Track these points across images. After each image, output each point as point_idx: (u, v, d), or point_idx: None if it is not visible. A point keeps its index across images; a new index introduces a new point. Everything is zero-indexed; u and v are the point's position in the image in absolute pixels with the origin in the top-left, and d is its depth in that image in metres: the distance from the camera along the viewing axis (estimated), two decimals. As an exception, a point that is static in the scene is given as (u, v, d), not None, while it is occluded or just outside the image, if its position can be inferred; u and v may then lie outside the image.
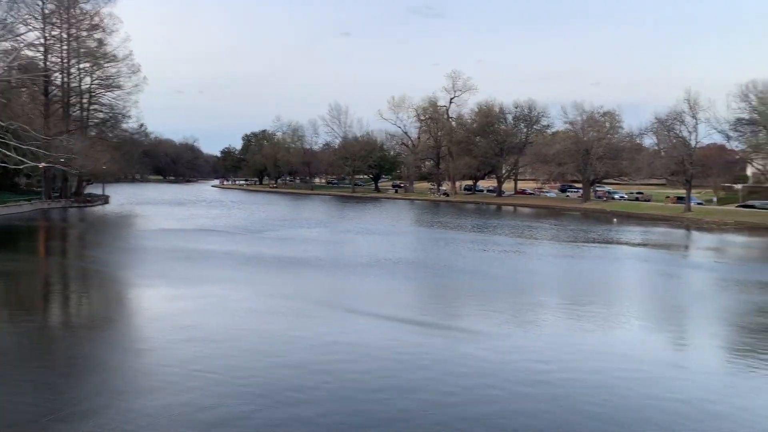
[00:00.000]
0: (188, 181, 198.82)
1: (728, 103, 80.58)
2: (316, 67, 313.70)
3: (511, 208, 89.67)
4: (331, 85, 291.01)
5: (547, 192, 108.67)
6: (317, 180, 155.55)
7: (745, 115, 70.74)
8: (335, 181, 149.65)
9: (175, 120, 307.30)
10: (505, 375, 13.96)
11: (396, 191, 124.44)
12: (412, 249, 38.64)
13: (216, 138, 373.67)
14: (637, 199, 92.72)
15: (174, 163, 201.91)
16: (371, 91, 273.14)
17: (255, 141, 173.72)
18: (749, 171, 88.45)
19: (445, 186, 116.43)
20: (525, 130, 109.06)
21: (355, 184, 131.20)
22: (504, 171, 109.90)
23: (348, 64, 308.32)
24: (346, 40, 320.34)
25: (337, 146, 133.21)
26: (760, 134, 69.44)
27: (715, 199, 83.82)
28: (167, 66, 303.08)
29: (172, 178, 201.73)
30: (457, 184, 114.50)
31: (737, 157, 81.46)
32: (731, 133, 73.60)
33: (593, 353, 15.94)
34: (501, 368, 14.48)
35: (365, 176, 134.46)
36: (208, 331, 16.90)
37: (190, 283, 24.39)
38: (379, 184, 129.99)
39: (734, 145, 77.86)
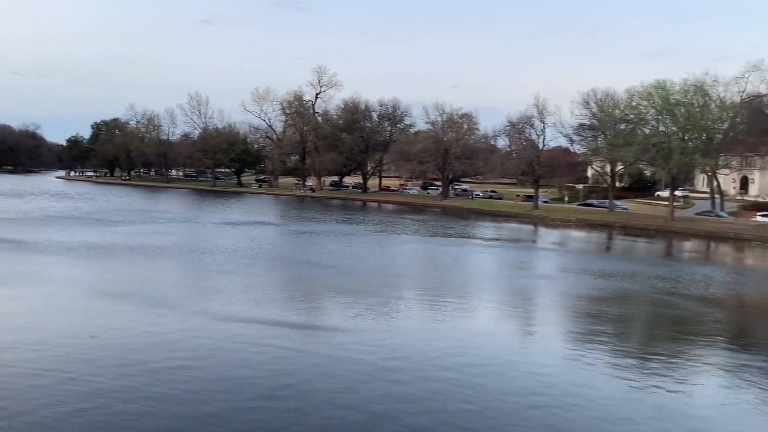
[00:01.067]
0: (29, 172, 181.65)
1: (572, 110, 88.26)
2: (173, 54, 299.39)
3: (375, 204, 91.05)
4: (190, 74, 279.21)
5: (409, 189, 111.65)
6: (174, 173, 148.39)
7: (586, 121, 77.05)
8: (194, 174, 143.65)
9: (13, 104, 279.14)
10: (353, 368, 13.91)
11: (260, 186, 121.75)
12: (272, 244, 37.85)
13: (61, 125, 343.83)
14: (491, 197, 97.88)
15: (12, 152, 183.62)
16: (234, 82, 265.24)
17: (106, 130, 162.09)
18: (589, 172, 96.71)
19: (311, 182, 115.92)
20: (389, 128, 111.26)
21: (216, 178, 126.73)
22: (369, 168, 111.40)
23: (209, 52, 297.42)
24: (206, 28, 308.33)
25: (196, 138, 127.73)
26: (599, 139, 75.93)
27: (567, 198, 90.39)
28: (5, 45, 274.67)
29: (10, 167, 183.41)
30: (323, 180, 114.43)
31: (579, 159, 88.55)
32: (574, 137, 79.95)
33: (445, 341, 16.40)
34: (350, 365, 14.41)
35: (227, 170, 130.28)
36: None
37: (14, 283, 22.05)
38: (242, 179, 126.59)
39: (577, 149, 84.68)
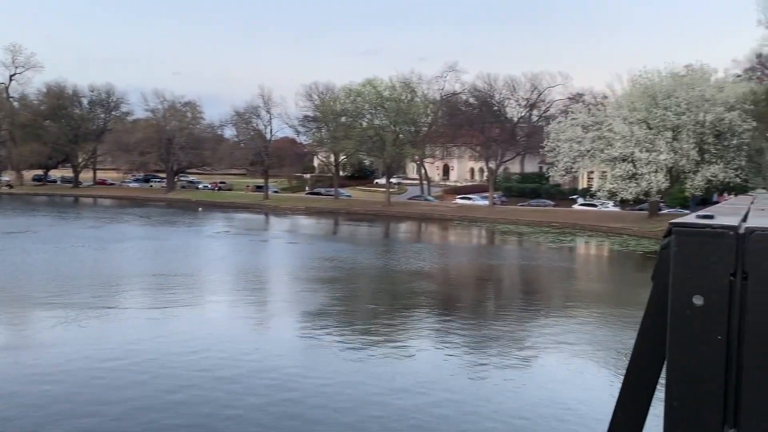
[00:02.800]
0: None
1: (297, 101, 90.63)
2: None
3: (90, 199, 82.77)
4: None
5: (129, 182, 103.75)
6: None
7: (311, 113, 79.86)
8: None
9: None
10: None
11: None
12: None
13: None
14: (219, 188, 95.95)
15: None
16: None
17: None
18: (316, 162, 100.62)
19: (8, 176, 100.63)
20: (103, 116, 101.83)
21: None
22: (81, 159, 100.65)
23: None
24: None
25: None
26: (323, 130, 79.33)
27: (308, 188, 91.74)
28: None
29: None
30: (25, 173, 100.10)
31: (306, 149, 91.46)
32: (300, 129, 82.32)
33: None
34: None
35: None
36: None
37: None
38: None
39: (303, 139, 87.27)
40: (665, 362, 1.53)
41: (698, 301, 1.44)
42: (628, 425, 1.64)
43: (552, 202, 69.16)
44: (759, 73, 57.55)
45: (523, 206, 67.26)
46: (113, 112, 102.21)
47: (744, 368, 1.45)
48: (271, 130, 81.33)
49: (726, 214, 1.89)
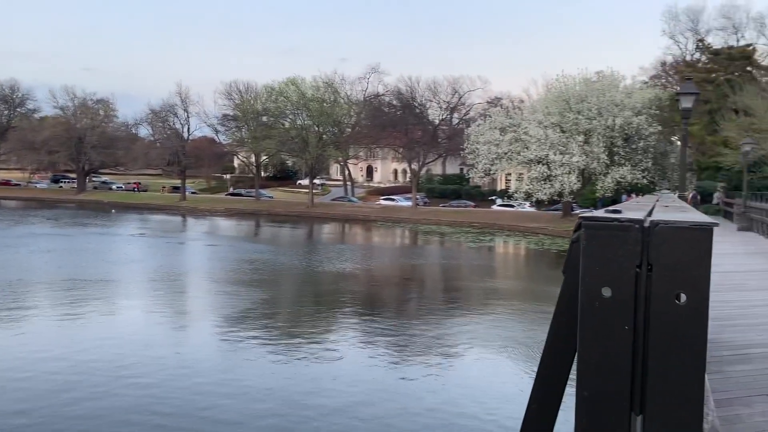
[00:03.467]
0: None
1: (216, 100, 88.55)
2: None
3: (-9, 201, 77.71)
4: None
5: (37, 183, 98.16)
6: None
7: (230, 112, 78.19)
8: None
9: None
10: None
11: None
12: None
13: None
14: (134, 189, 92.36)
15: None
16: None
17: None
18: (236, 162, 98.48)
19: None
20: (7, 112, 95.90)
21: None
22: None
23: None
24: None
25: None
26: (243, 130, 77.85)
27: (244, 191, 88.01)
28: None
29: None
30: None
31: (226, 149, 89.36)
32: (219, 128, 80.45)
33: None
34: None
35: None
36: None
37: None
38: None
39: (223, 139, 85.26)
40: (576, 354, 1.57)
41: (607, 292, 1.49)
42: (542, 416, 1.68)
43: (472, 203, 70.77)
44: (663, 80, 61.15)
45: (444, 207, 68.47)
46: (18, 109, 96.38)
47: (649, 356, 1.51)
48: (188, 129, 79.21)
49: (633, 209, 1.97)
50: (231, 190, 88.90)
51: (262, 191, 78.95)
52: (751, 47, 57.54)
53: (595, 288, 1.49)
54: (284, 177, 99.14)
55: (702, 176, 49.41)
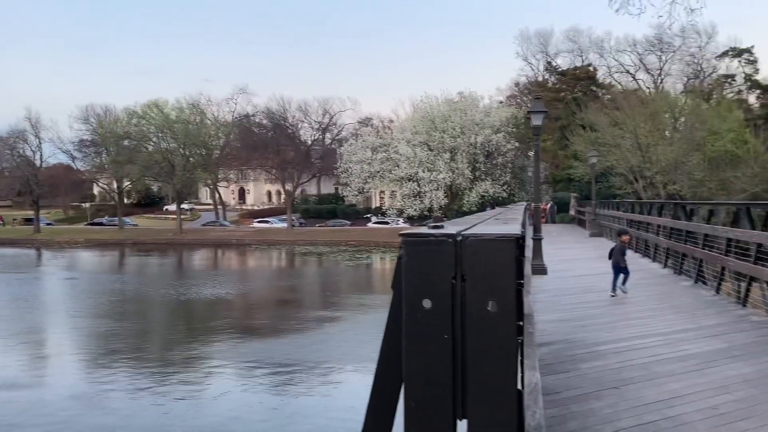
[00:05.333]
0: None
1: (71, 124, 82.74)
2: None
3: None
4: None
5: None
6: None
7: (88, 137, 73.40)
8: None
9: None
10: None
11: None
12: None
13: None
14: (3, 223, 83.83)
15: None
16: None
17: None
18: (96, 190, 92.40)
19: None
20: None
21: None
22: None
23: None
24: None
25: None
26: (103, 155, 73.37)
27: (105, 220, 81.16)
28: None
29: None
30: None
31: (84, 176, 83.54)
32: (76, 154, 75.08)
33: None
34: None
35: None
36: None
37: None
38: None
39: (80, 165, 79.54)
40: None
41: (427, 304, 1.57)
42: (378, 428, 1.73)
43: (348, 222, 71.27)
44: (518, 99, 65.43)
45: (321, 227, 68.40)
46: None
47: (467, 362, 1.61)
48: (41, 156, 73.44)
49: (456, 224, 2.10)
50: (91, 219, 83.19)
51: (126, 219, 74.71)
52: (591, 67, 63.22)
53: (416, 300, 1.57)
54: (150, 203, 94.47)
55: (557, 188, 53.20)
